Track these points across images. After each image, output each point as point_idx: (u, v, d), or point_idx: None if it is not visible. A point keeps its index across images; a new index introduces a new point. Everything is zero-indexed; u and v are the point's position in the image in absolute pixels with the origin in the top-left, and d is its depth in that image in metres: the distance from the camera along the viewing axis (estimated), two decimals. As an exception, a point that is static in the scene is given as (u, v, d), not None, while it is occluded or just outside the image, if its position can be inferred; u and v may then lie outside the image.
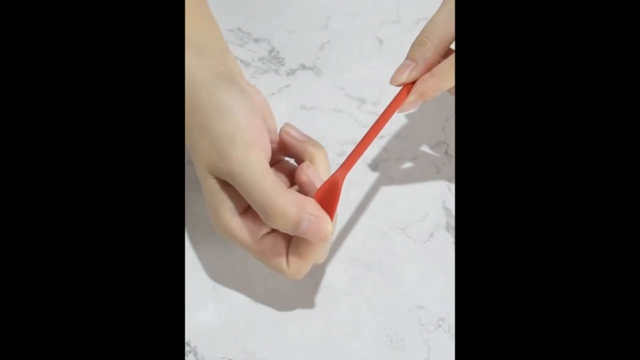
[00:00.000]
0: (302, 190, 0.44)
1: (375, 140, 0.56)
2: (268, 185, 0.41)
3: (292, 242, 0.44)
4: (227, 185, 0.43)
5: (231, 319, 0.47)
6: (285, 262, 0.44)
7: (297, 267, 0.44)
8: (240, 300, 0.48)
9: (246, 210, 0.44)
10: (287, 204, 0.41)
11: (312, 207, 0.42)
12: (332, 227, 0.42)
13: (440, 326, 0.47)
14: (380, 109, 0.57)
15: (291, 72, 0.60)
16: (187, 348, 0.46)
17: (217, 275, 0.49)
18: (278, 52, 0.61)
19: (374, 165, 0.55)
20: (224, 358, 0.46)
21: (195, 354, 0.46)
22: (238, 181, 0.42)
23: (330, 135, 0.56)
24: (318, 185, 0.43)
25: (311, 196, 0.43)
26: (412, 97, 0.46)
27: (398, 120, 0.57)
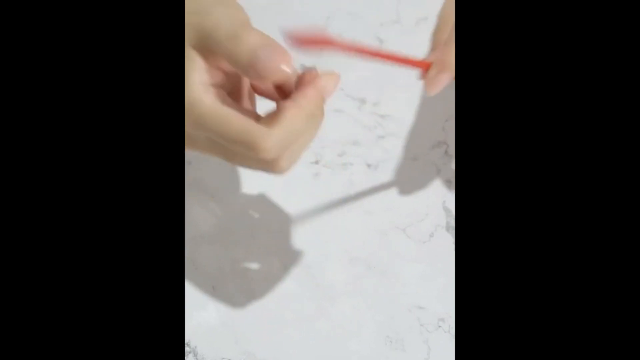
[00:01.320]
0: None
1: (375, 140, 0.56)
2: (239, 22, 0.38)
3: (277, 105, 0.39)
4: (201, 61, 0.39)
5: (231, 319, 0.47)
6: (253, 125, 0.37)
7: (270, 131, 0.37)
8: (240, 300, 0.48)
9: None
10: (252, 34, 0.37)
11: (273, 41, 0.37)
12: (317, 110, 0.39)
13: (440, 326, 0.47)
14: (381, 109, 0.58)
15: (291, 72, 0.60)
16: (187, 348, 0.46)
17: (218, 275, 0.49)
18: (278, 52, 0.61)
19: (374, 166, 0.54)
20: (223, 358, 0.46)
21: (195, 354, 0.46)
22: (216, 32, 0.38)
23: (330, 136, 0.56)
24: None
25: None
26: (433, 71, 0.45)
27: (398, 120, 0.57)
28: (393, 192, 0.53)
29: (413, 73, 0.59)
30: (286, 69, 0.36)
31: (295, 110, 0.38)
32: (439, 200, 0.53)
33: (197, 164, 0.54)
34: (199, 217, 0.51)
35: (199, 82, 0.38)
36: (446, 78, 0.45)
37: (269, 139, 0.37)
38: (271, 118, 0.38)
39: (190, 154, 0.55)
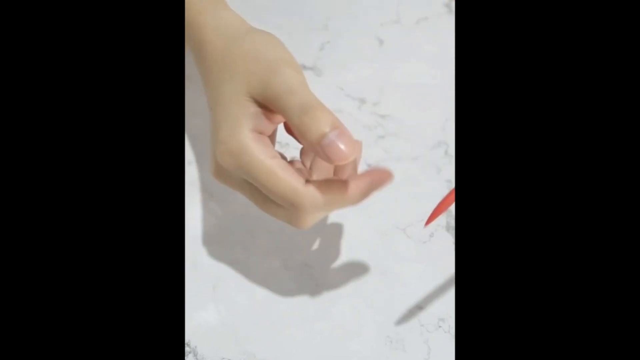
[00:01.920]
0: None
1: (375, 140, 0.56)
2: (312, 95, 0.41)
3: (312, 167, 0.43)
4: (258, 109, 0.42)
5: (231, 319, 0.47)
6: (301, 186, 0.40)
7: (312, 200, 0.40)
8: (240, 300, 0.48)
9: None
10: (325, 113, 0.40)
11: (342, 125, 0.40)
12: (359, 192, 0.41)
13: (440, 327, 0.47)
14: (380, 109, 0.58)
15: (291, 72, 0.60)
16: (187, 348, 0.46)
17: (218, 275, 0.49)
18: (278, 52, 0.61)
19: (374, 165, 0.54)
20: (223, 358, 0.46)
21: (195, 355, 0.46)
22: (285, 88, 0.41)
23: (330, 136, 0.56)
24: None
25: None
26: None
27: (398, 120, 0.57)
28: (393, 192, 0.53)
29: (411, 75, 0.59)
30: (351, 157, 0.39)
31: (345, 195, 0.41)
32: (438, 200, 0.53)
33: (197, 164, 0.54)
34: (199, 217, 0.51)
35: (252, 130, 0.41)
36: None
37: (315, 204, 0.40)
38: (321, 186, 0.40)
39: (190, 154, 0.55)
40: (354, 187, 0.41)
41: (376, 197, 0.53)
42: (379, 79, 0.59)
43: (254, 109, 0.42)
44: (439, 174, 0.54)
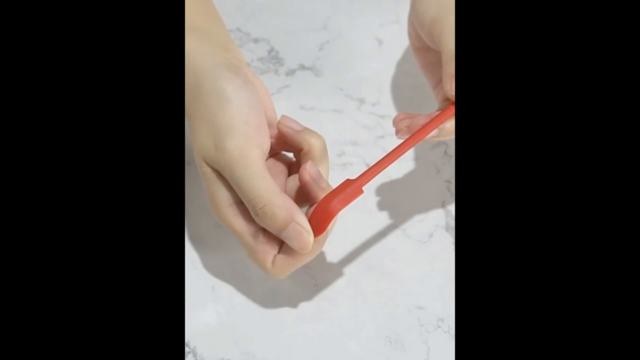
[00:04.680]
0: (305, 189, 0.44)
1: (375, 140, 0.56)
2: (261, 185, 0.41)
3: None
4: (222, 175, 0.43)
5: (231, 319, 0.47)
6: (270, 261, 0.44)
7: (281, 266, 0.44)
8: (239, 301, 0.48)
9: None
10: (277, 208, 0.41)
11: (300, 217, 0.42)
12: (317, 245, 0.43)
13: (439, 327, 0.47)
14: (380, 109, 0.58)
15: (290, 73, 0.60)
16: (186, 348, 0.46)
17: (217, 275, 0.49)
18: (277, 52, 0.61)
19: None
20: (223, 358, 0.46)
21: (195, 355, 0.46)
22: (231, 175, 0.42)
23: (329, 136, 0.55)
24: (321, 184, 0.43)
25: (314, 195, 0.43)
26: (435, 131, 0.45)
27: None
28: (392, 192, 0.53)
29: (411, 75, 0.59)
30: (310, 243, 0.42)
31: (304, 257, 0.43)
32: (438, 200, 0.53)
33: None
34: (199, 217, 0.51)
35: (227, 205, 0.44)
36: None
37: (279, 271, 0.44)
38: (286, 257, 0.43)
39: (190, 155, 0.55)
40: (318, 247, 0.44)
41: (376, 197, 0.53)
42: (378, 79, 0.59)
43: (218, 182, 0.44)
44: (438, 174, 0.54)
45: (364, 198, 0.53)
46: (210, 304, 0.48)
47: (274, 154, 0.48)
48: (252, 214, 0.42)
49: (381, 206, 0.52)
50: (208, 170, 0.43)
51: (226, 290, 0.49)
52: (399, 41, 0.61)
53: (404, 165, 0.54)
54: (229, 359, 0.46)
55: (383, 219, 0.52)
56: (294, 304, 0.48)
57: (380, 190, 0.53)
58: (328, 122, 0.57)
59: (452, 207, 0.52)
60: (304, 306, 0.48)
